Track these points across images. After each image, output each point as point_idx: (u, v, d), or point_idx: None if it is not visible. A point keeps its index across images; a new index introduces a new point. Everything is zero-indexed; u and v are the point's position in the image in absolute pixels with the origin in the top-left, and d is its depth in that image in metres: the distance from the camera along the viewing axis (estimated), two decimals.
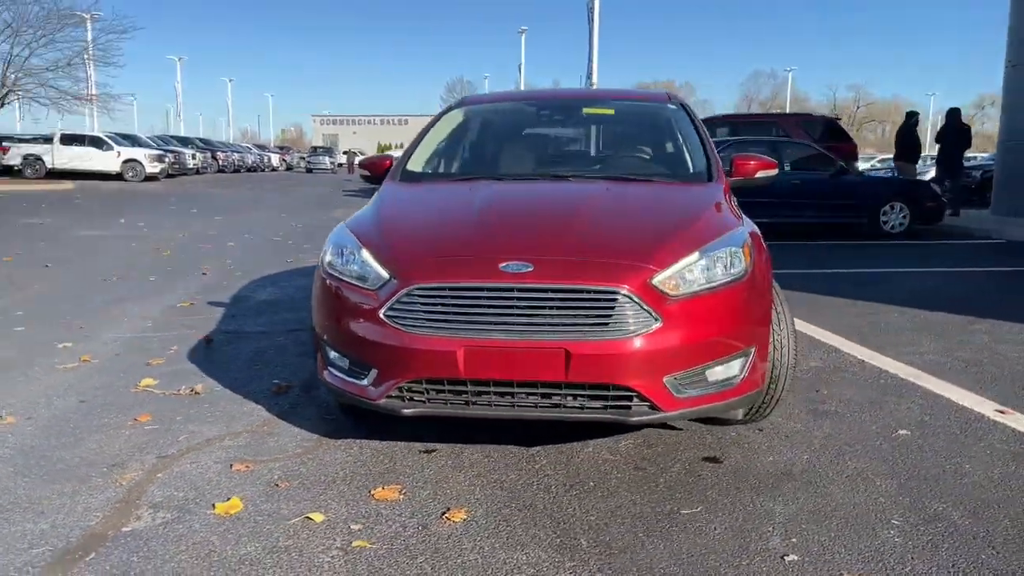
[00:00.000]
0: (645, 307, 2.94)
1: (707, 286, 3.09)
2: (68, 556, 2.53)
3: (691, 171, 4.25)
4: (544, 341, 2.92)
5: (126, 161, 28.82)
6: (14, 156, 30.24)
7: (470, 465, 3.27)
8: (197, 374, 4.53)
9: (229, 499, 2.92)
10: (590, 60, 25.59)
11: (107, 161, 29.02)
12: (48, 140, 30.44)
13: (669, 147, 4.61)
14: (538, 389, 3.00)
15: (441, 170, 4.37)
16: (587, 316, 2.94)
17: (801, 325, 5.66)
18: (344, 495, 2.98)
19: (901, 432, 3.67)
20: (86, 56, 30.70)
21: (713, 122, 15.24)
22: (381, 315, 3.07)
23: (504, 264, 3.01)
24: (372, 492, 2.99)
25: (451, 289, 3.00)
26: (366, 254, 3.25)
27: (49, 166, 29.47)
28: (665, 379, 3.01)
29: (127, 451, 3.39)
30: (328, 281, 3.33)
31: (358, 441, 3.51)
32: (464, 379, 3.00)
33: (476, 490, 3.05)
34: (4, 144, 31.16)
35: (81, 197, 20.81)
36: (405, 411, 3.11)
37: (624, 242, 3.20)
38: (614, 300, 2.94)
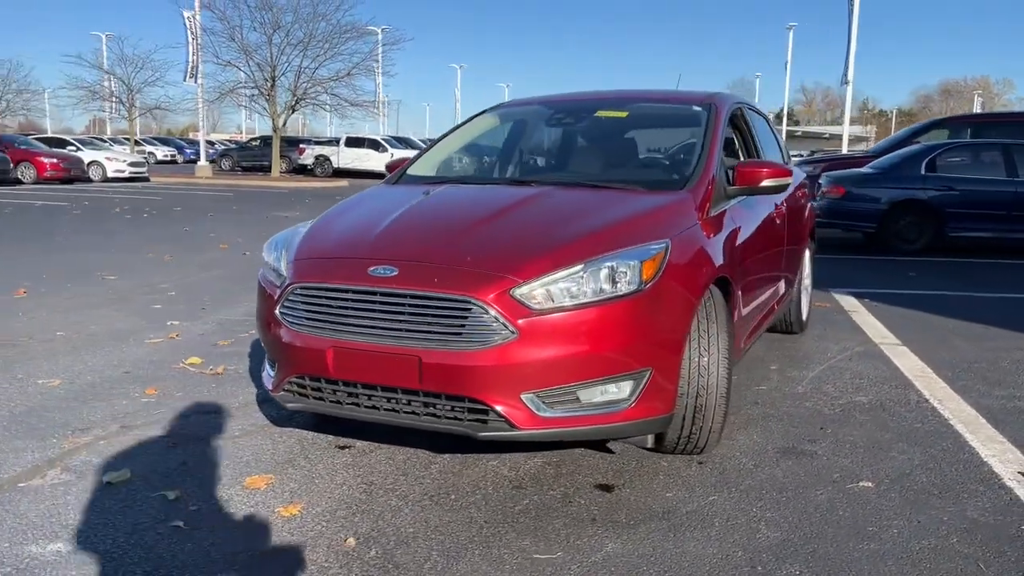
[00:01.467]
0: (500, 319, 2.82)
1: (584, 300, 2.89)
2: None
3: (666, 178, 3.96)
4: (401, 347, 2.90)
5: None
6: (308, 157, 34.16)
7: (363, 463, 3.32)
8: (240, 356, 4.94)
9: (121, 470, 3.20)
10: (847, 58, 23.84)
11: (382, 161, 31.83)
12: (336, 142, 34.04)
13: (664, 151, 4.31)
14: (399, 395, 2.98)
15: (433, 173, 4.41)
16: (441, 325, 2.88)
17: (910, 361, 5.03)
18: (215, 479, 3.15)
19: (862, 484, 3.17)
20: (376, 66, 33.79)
21: (950, 123, 13.60)
22: (276, 312, 3.22)
23: (373, 268, 3.03)
24: (244, 481, 3.13)
25: (323, 289, 3.08)
26: (283, 255, 3.40)
27: (335, 166, 32.92)
28: (523, 396, 2.87)
29: (103, 419, 3.82)
30: (259, 281, 3.54)
31: (291, 431, 3.67)
32: (335, 379, 3.06)
33: (335, 488, 3.09)
34: (301, 146, 35.31)
35: (342, 194, 23.00)
36: (289, 404, 3.24)
37: (501, 251, 3.08)
38: (468, 310, 2.86)
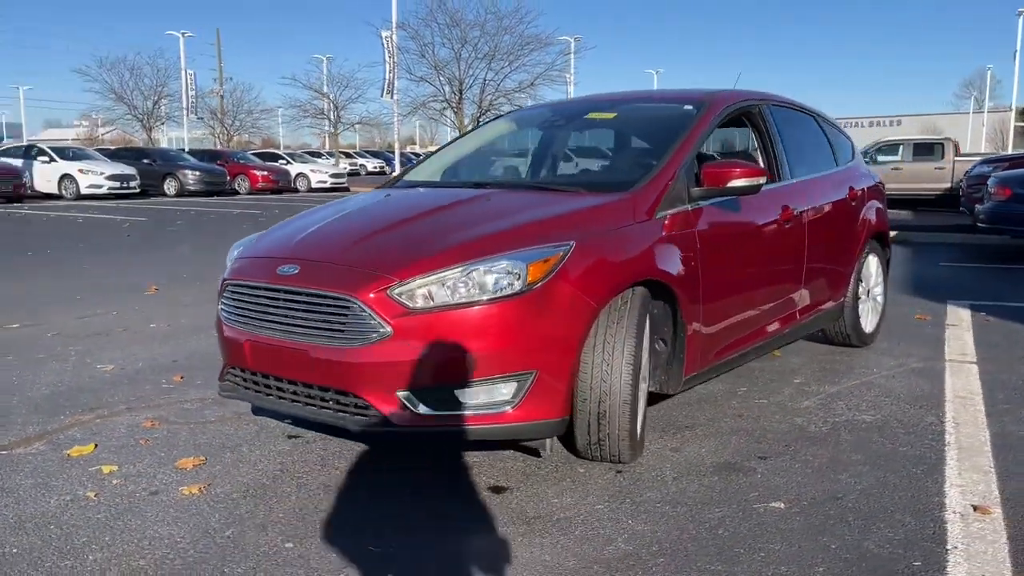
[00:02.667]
0: (376, 317, 2.92)
1: (461, 301, 2.92)
2: None
3: (613, 180, 3.84)
4: (297, 342, 3.07)
5: None
6: None
7: (294, 453, 3.49)
8: None
9: (87, 445, 3.59)
10: None
11: None
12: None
13: (629, 152, 4.18)
14: (299, 387, 3.15)
15: (424, 177, 4.52)
16: (328, 322, 3.02)
17: (965, 380, 4.63)
18: (156, 459, 3.46)
19: (772, 505, 2.96)
20: (568, 75, 34.35)
21: None
22: (218, 307, 3.50)
23: (280, 267, 3.22)
24: (177, 462, 3.41)
25: (243, 286, 3.30)
26: (233, 255, 3.68)
27: None
28: (399, 393, 2.94)
29: (116, 401, 4.27)
30: None
31: (261, 419, 3.92)
32: (254, 370, 3.29)
33: (248, 473, 3.28)
34: None
35: None
36: (222, 394, 3.50)
37: (392, 252, 3.16)
38: (347, 308, 2.97)
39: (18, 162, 23.15)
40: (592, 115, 4.44)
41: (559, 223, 3.24)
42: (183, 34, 41.93)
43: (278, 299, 3.13)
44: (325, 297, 3.00)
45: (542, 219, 3.27)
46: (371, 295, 2.91)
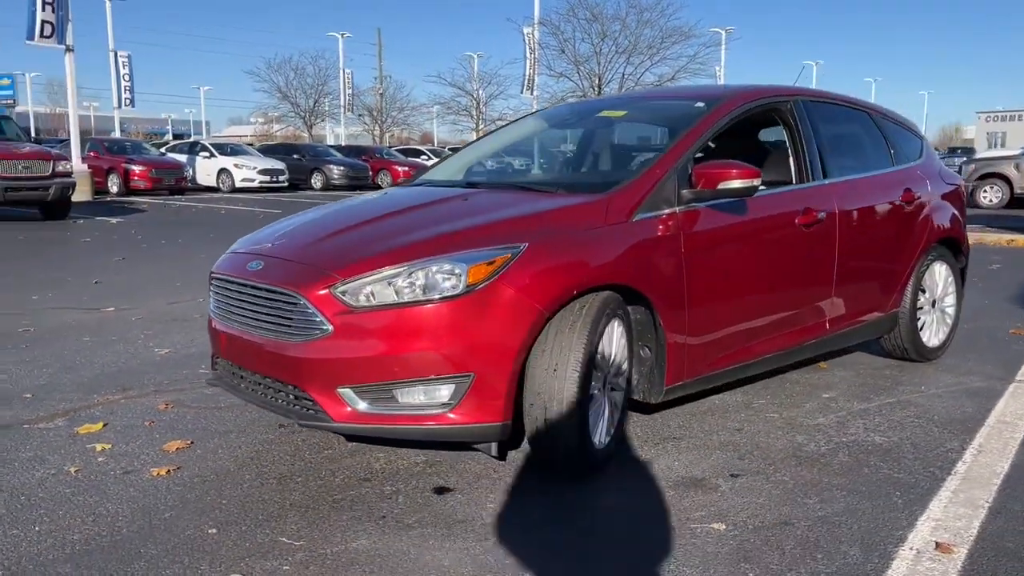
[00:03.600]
0: (318, 315, 2.99)
1: (400, 300, 2.94)
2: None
3: (592, 180, 3.75)
4: (258, 336, 3.20)
5: None
6: None
7: (274, 442, 3.61)
8: None
9: (97, 423, 3.87)
10: None
11: None
12: None
13: (626, 151, 4.03)
14: (259, 379, 3.28)
15: (432, 176, 4.55)
16: (280, 317, 3.12)
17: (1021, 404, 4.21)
18: (151, 440, 3.68)
19: (713, 526, 2.82)
20: (717, 67, 33.55)
21: None
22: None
23: (250, 263, 3.35)
24: (165, 445, 3.62)
25: (220, 280, 3.46)
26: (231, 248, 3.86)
27: None
28: (340, 390, 3.00)
29: (149, 383, 4.57)
30: None
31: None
32: (228, 360, 3.45)
33: (221, 459, 3.42)
34: None
35: None
36: (208, 380, 3.68)
37: (346, 250, 3.20)
38: (294, 304, 3.06)
39: (183, 157, 25.01)
40: (604, 113, 4.33)
41: (520, 224, 3.19)
42: (342, 35, 43.89)
43: (243, 294, 3.25)
44: (276, 293, 3.09)
45: (505, 219, 3.23)
46: (315, 292, 2.97)
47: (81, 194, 18.25)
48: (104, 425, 3.79)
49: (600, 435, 3.22)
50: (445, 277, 2.91)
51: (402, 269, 2.94)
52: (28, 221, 14.09)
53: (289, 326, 3.03)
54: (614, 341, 3.24)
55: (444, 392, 2.94)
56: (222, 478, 3.19)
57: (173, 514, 2.88)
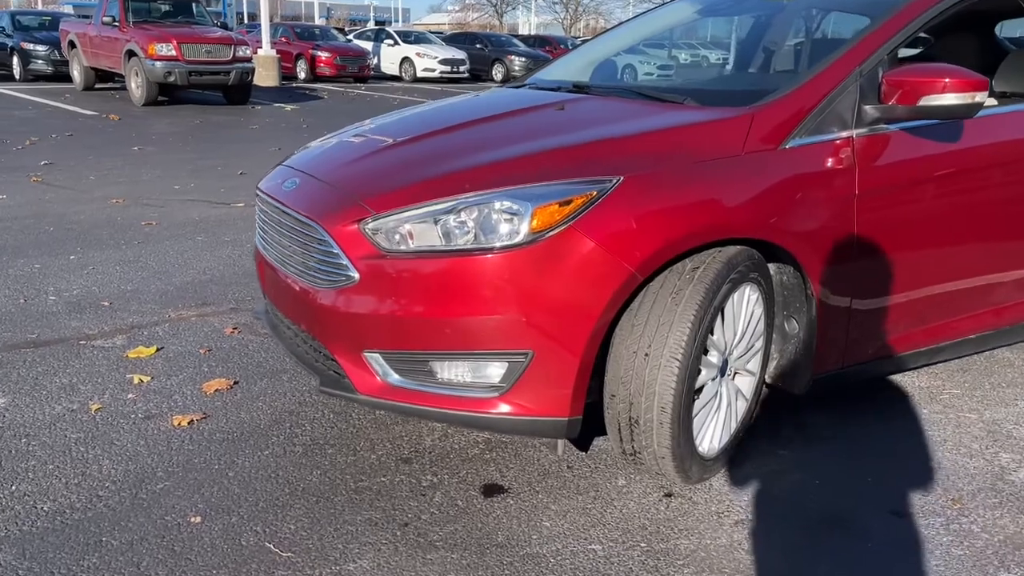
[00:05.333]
0: (342, 256, 2.32)
1: (446, 247, 2.23)
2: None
3: (738, 89, 2.76)
4: (289, 274, 2.60)
5: None
6: None
7: (318, 399, 3.09)
8: None
9: (152, 346, 3.47)
10: None
11: None
12: None
13: (789, 51, 2.94)
14: (291, 325, 2.69)
15: (547, 75, 3.68)
16: (306, 253, 2.49)
17: None
18: (198, 374, 3.23)
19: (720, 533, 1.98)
20: None
21: None
22: None
23: (288, 180, 2.72)
24: (206, 383, 3.15)
25: (260, 198, 2.87)
26: None
27: None
28: (367, 354, 2.36)
29: (229, 298, 4.15)
30: None
31: None
32: (266, 296, 2.89)
33: (260, 409, 2.92)
34: None
35: None
36: (256, 316, 3.14)
37: (385, 174, 2.48)
38: (319, 240, 2.41)
39: (368, 45, 24.97)
40: None
41: (621, 147, 2.34)
42: None
43: (276, 219, 2.63)
44: (300, 222, 2.43)
45: (600, 140, 2.39)
46: (339, 227, 2.29)
47: (268, 79, 18.55)
48: (158, 350, 3.37)
49: (712, 439, 2.40)
50: (503, 219, 2.13)
51: (450, 204, 2.18)
52: (211, 105, 14.36)
53: (314, 267, 2.38)
54: (744, 313, 2.38)
55: (494, 372, 2.20)
56: (245, 438, 2.66)
57: (166, 486, 2.37)
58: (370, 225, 2.25)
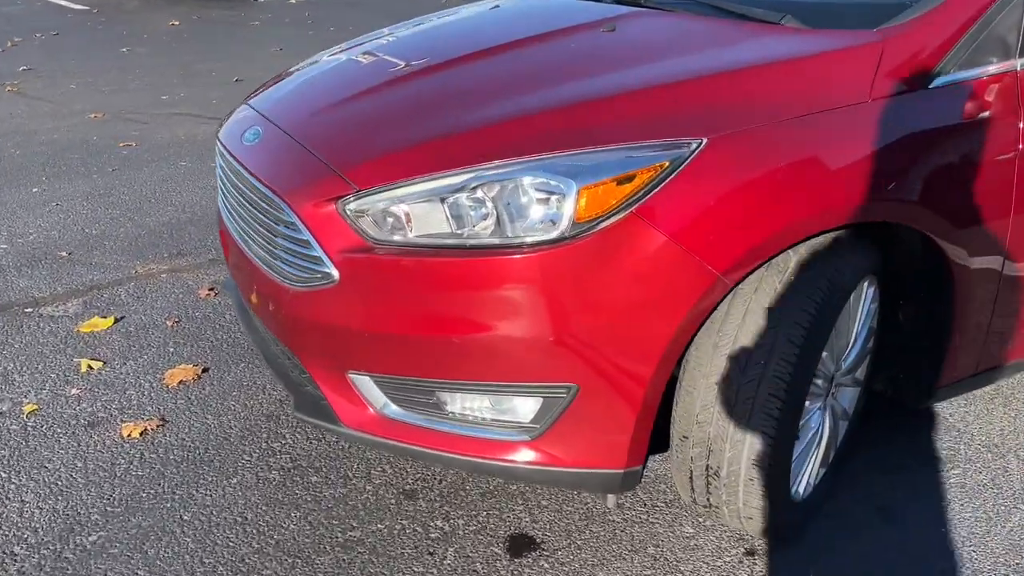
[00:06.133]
0: (315, 246, 1.70)
1: (458, 241, 1.59)
2: None
3: (846, 5, 2.01)
4: (253, 257, 1.97)
5: None
6: None
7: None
8: None
9: (110, 316, 2.89)
10: None
11: None
12: None
13: None
14: (260, 327, 2.08)
15: None
16: (270, 237, 1.86)
17: None
18: (155, 356, 2.65)
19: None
20: None
21: None
22: None
23: (250, 128, 2.06)
24: (169, 371, 2.58)
25: (220, 149, 2.21)
26: None
27: None
28: (353, 376, 1.76)
29: (210, 246, 3.56)
30: None
31: None
32: (232, 279, 2.27)
33: (233, 408, 2.37)
34: None
35: None
36: (221, 290, 2.54)
37: (375, 128, 1.83)
38: (284, 222, 1.78)
39: None
40: None
41: (696, 93, 1.66)
42: None
43: (232, 180, 2.00)
44: (261, 195, 1.79)
45: (668, 83, 1.69)
46: (312, 206, 1.66)
47: None
48: (116, 321, 2.80)
49: (809, 477, 1.81)
50: (536, 201, 1.47)
51: (462, 178, 1.53)
52: None
53: (282, 257, 1.74)
54: (860, 314, 1.75)
55: (523, 408, 1.60)
56: (209, 457, 2.11)
57: (101, 538, 1.84)
58: (352, 205, 1.62)
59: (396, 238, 1.60)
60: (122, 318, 2.84)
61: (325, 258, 1.64)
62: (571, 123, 1.61)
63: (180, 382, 2.46)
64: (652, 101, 1.64)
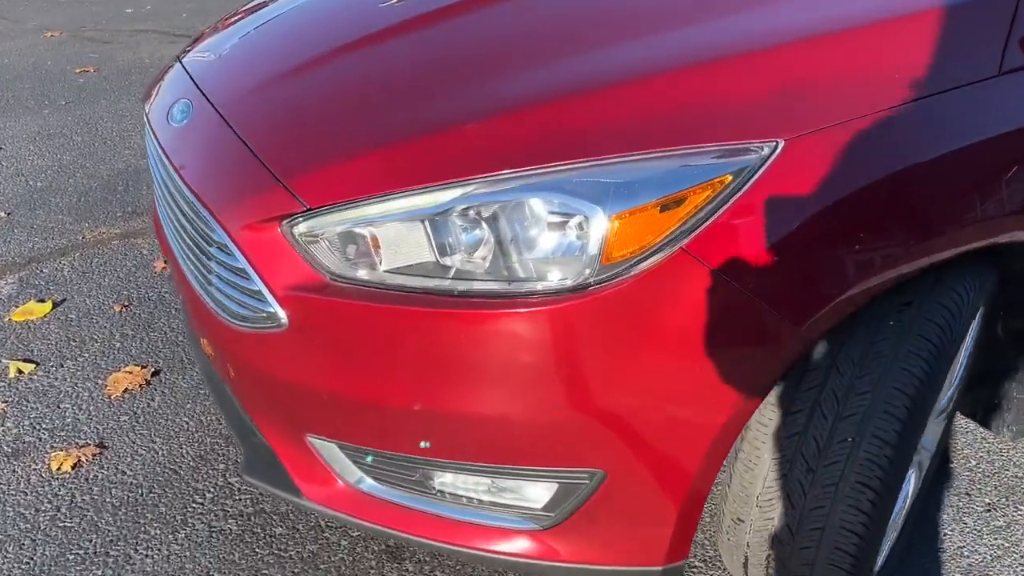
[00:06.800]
0: (255, 280, 1.27)
1: (443, 285, 1.17)
2: None
3: None
4: (187, 275, 1.54)
5: None
6: None
7: None
8: None
9: (47, 303, 2.49)
10: None
11: None
12: None
13: None
14: (206, 363, 1.67)
15: None
16: (202, 255, 1.43)
17: None
18: (99, 353, 2.26)
19: None
20: None
21: None
22: None
23: (177, 103, 1.60)
24: (113, 374, 2.19)
25: (148, 127, 1.76)
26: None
27: None
28: (313, 439, 1.36)
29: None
30: None
31: None
32: (176, 290, 1.84)
33: (180, 433, 1.99)
34: None
35: None
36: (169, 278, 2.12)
37: (345, 115, 1.37)
38: (217, 243, 1.35)
39: None
40: None
41: (763, 70, 1.21)
42: None
43: (160, 170, 1.56)
44: (188, 203, 1.35)
45: (716, 56, 1.24)
46: (249, 228, 1.23)
47: None
48: (53, 307, 2.39)
49: (889, 541, 1.44)
50: (548, 229, 1.04)
51: (450, 195, 1.10)
52: None
53: (218, 287, 1.33)
54: (964, 348, 1.34)
55: (531, 492, 1.21)
56: (153, 500, 1.75)
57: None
58: (302, 227, 1.19)
59: (361, 273, 1.18)
60: (62, 301, 2.44)
61: (268, 295, 1.23)
62: (589, 120, 1.17)
63: (125, 390, 2.08)
64: (701, 83, 1.18)
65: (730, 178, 1.08)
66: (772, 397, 1.20)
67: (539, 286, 1.10)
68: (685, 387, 1.12)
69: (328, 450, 1.33)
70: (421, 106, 1.29)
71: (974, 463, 1.88)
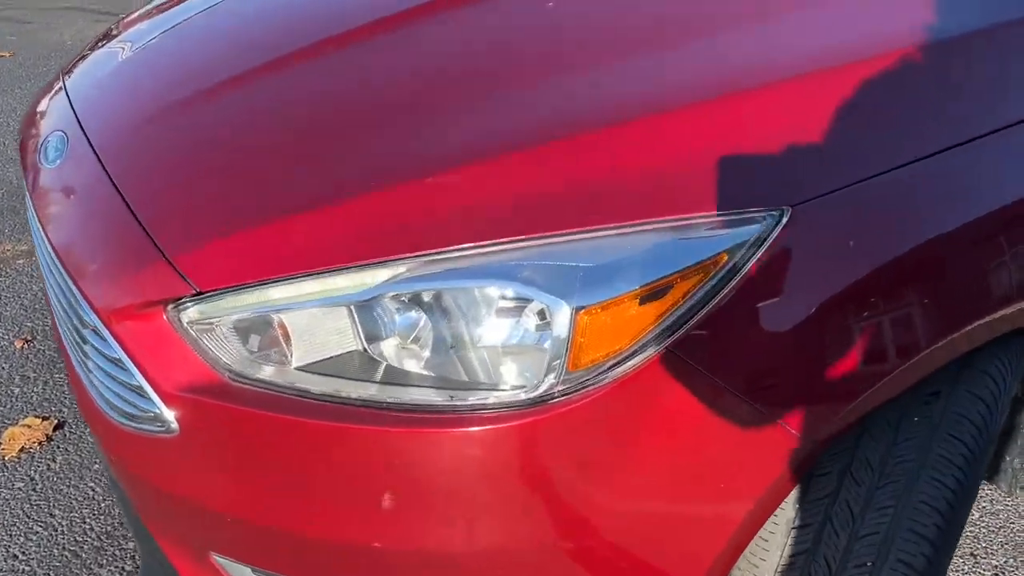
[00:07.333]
0: (134, 372, 1.01)
1: (371, 395, 0.91)
2: None
3: None
4: (70, 353, 1.26)
5: None
6: None
7: None
8: None
9: None
10: None
11: None
12: None
13: None
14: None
15: None
16: (78, 336, 1.16)
17: None
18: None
19: None
20: None
21: None
22: None
23: (52, 136, 1.32)
24: (4, 435, 1.91)
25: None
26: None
27: None
28: (217, 559, 1.11)
29: None
30: None
31: None
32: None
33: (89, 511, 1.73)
34: None
35: None
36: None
37: (248, 167, 1.11)
38: (91, 328, 1.08)
39: None
40: None
41: (762, 114, 0.95)
42: None
43: (33, 225, 1.27)
44: (56, 268, 1.09)
45: (704, 96, 1.00)
46: (128, 315, 0.96)
47: None
48: None
49: None
50: (499, 314, 0.80)
51: (381, 279, 0.84)
52: None
53: (95, 375, 1.07)
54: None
55: None
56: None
57: None
58: (192, 313, 0.93)
59: (267, 372, 0.93)
60: None
61: (152, 393, 0.97)
62: (551, 172, 0.92)
63: (22, 449, 1.81)
64: (687, 131, 0.94)
65: (725, 257, 0.85)
66: (777, 523, 0.98)
67: (491, 398, 0.86)
68: (672, 520, 0.90)
69: (238, 571, 1.08)
70: (340, 153, 1.03)
71: (976, 515, 1.70)
